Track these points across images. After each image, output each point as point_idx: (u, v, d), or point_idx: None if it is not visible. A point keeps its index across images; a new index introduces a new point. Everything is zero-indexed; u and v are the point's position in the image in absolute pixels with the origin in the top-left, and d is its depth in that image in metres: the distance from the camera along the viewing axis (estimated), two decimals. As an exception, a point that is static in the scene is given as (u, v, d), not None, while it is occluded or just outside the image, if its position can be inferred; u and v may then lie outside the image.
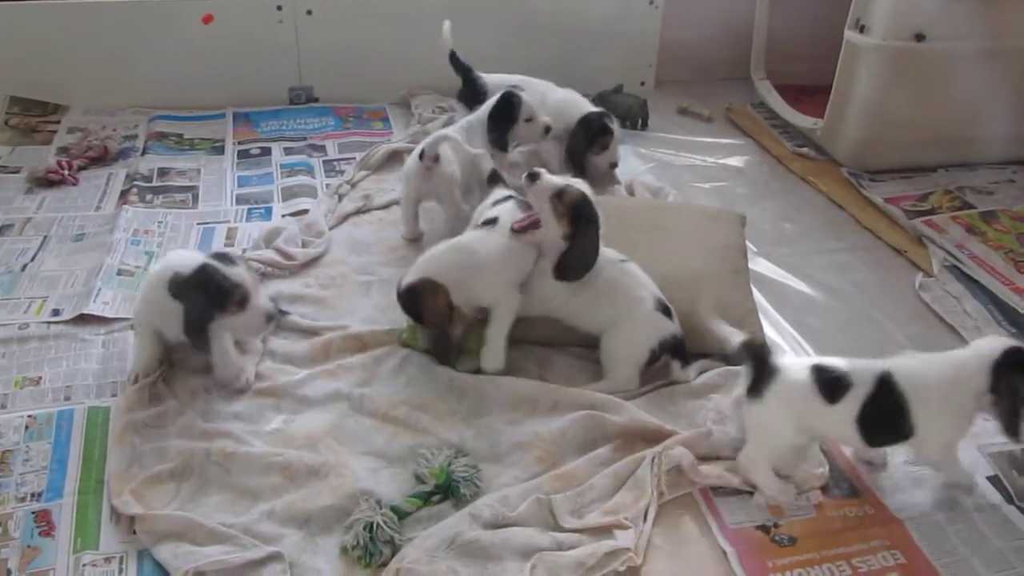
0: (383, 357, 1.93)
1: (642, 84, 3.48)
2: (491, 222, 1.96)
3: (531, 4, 3.28)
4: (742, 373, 1.65)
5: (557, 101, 2.72)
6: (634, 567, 1.49)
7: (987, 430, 1.81)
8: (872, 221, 2.67)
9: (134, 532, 1.51)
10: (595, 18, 3.33)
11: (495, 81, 2.69)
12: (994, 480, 1.71)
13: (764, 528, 1.59)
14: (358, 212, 2.54)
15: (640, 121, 3.16)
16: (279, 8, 3.11)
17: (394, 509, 1.54)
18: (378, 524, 1.49)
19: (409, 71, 3.25)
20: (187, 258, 1.81)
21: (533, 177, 1.86)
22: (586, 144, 2.65)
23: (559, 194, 1.85)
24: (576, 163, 2.65)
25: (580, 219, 1.86)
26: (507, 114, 2.47)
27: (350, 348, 1.96)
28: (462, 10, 3.02)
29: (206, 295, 1.73)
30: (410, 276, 1.86)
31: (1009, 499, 1.67)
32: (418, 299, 1.84)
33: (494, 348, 1.87)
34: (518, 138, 2.56)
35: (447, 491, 1.60)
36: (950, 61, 2.75)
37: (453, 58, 2.69)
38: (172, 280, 1.75)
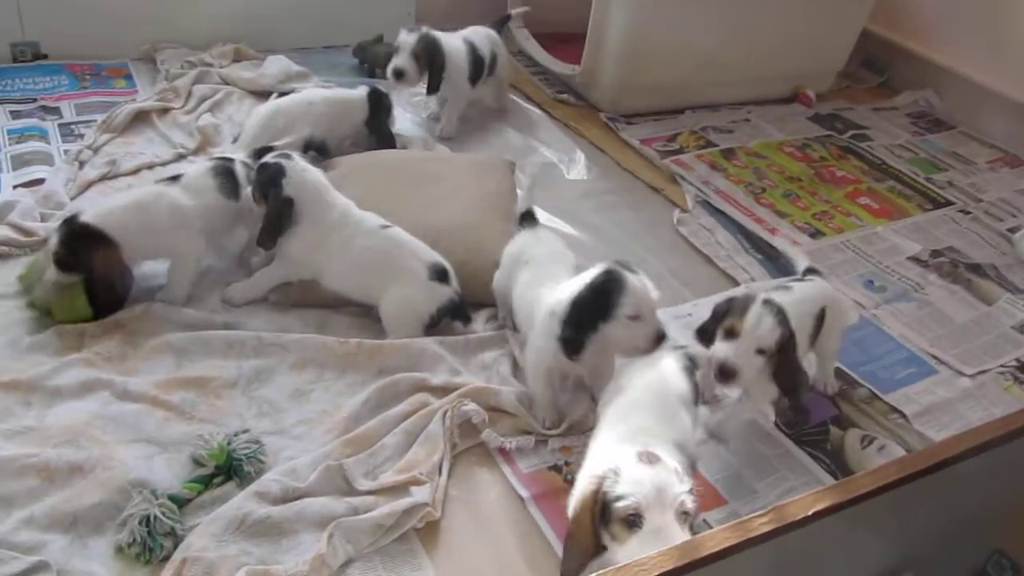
0: (145, 337, 1.78)
1: (402, 33, 3.40)
2: (175, 179, 1.97)
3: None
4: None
5: None
6: (433, 521, 1.49)
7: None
8: (631, 163, 2.80)
9: None
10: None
11: None
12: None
13: (556, 468, 1.64)
14: (103, 179, 2.32)
15: (401, 72, 3.10)
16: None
17: (172, 498, 1.44)
18: (155, 516, 1.38)
19: (151, 24, 2.96)
20: None
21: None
22: None
23: (256, 182, 1.93)
24: None
25: (268, 191, 1.90)
26: None
27: (106, 330, 1.79)
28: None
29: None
30: (87, 217, 1.80)
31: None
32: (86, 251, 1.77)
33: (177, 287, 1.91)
34: None
35: (229, 471, 1.51)
36: (694, 6, 2.90)
37: None
38: None
